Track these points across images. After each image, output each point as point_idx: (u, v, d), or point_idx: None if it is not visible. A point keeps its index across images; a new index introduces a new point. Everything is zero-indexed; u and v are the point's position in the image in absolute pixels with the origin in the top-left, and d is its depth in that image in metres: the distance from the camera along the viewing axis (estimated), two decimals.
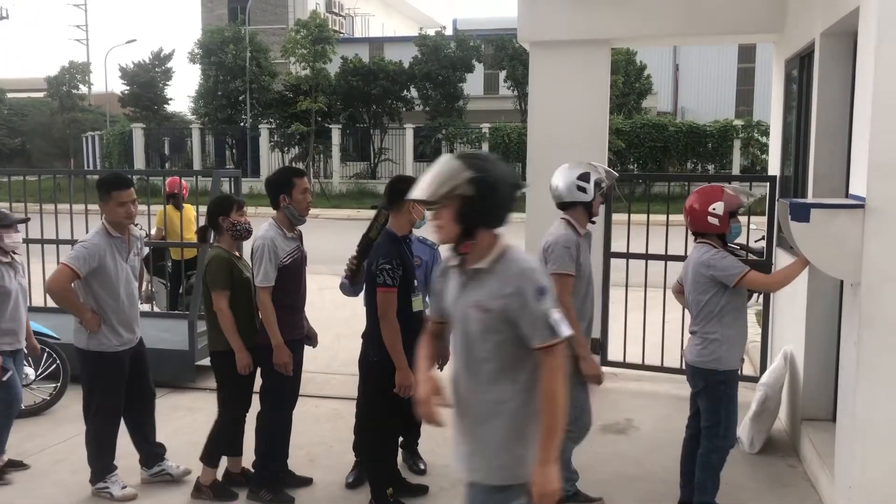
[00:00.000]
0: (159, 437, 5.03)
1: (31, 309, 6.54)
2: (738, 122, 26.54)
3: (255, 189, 29.17)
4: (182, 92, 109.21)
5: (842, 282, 4.61)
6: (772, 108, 6.97)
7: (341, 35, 36.70)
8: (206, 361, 6.95)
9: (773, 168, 6.71)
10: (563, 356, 2.63)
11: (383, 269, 4.17)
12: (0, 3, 43.26)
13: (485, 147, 28.14)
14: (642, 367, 6.77)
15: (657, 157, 26.31)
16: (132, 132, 32.91)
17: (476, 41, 29.78)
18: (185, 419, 6.00)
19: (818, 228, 3.88)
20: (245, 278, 4.55)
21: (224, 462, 4.80)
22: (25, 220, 5.18)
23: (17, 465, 5.04)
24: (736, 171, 25.21)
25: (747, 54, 31.99)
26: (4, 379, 4.79)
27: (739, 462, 5.15)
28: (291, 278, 4.45)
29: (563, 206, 4.33)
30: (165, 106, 36.01)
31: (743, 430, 5.39)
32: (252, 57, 30.21)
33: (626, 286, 6.82)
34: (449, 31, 33.25)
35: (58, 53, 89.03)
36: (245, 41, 30.44)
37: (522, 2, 6.75)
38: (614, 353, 6.90)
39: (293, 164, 30.13)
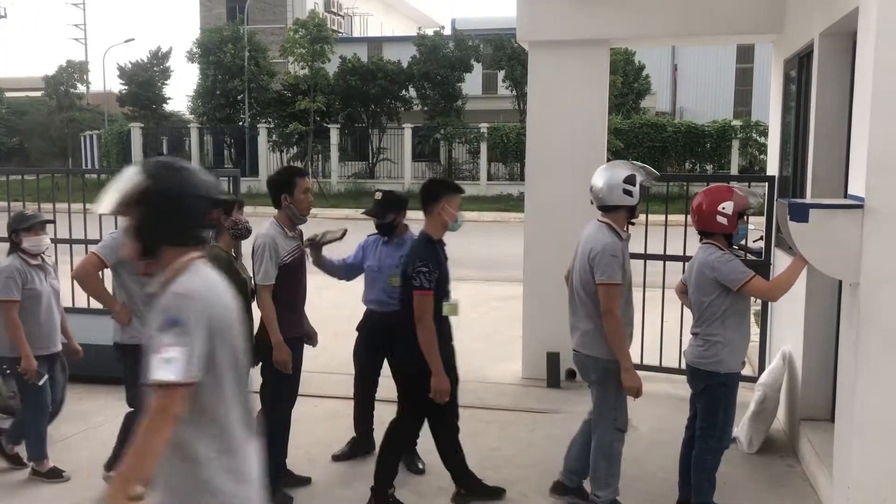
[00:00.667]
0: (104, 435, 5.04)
1: None
2: (737, 123, 26.56)
3: (253, 188, 29.18)
4: (180, 91, 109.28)
5: (840, 282, 4.61)
6: (770, 109, 6.97)
7: (340, 34, 36.69)
8: None
9: (772, 168, 6.72)
10: (166, 402, 2.13)
11: (420, 272, 4.14)
12: None
13: (483, 147, 28.16)
14: (641, 366, 6.74)
15: (656, 157, 26.29)
16: (130, 131, 32.87)
17: (475, 41, 29.77)
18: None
19: (817, 229, 3.88)
20: (242, 279, 4.54)
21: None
22: (51, 222, 5.15)
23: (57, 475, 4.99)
24: (734, 171, 25.23)
25: (746, 54, 32.02)
26: (40, 384, 4.77)
27: (738, 462, 5.16)
28: (291, 277, 4.46)
29: (605, 208, 4.22)
30: (164, 105, 36.00)
31: (741, 430, 5.39)
32: (250, 56, 30.20)
33: (663, 287, 6.83)
34: (447, 31, 33.28)
35: (56, 52, 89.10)
36: (244, 40, 30.43)
37: (521, 1, 6.75)
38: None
39: (292, 164, 30.13)
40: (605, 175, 4.20)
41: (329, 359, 6.73)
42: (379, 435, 5.25)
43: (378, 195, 5.04)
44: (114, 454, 4.68)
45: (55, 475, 4.87)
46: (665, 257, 6.71)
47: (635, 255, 6.70)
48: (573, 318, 4.33)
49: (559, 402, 6.27)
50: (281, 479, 4.66)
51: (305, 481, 4.80)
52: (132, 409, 4.66)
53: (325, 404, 6.20)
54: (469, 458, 5.13)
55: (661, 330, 6.72)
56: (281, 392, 4.56)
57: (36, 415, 4.86)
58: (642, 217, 6.54)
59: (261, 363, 4.49)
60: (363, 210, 5.34)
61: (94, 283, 4.46)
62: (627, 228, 4.30)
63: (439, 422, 4.50)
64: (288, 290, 4.45)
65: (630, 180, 4.14)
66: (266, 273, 4.35)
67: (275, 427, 4.57)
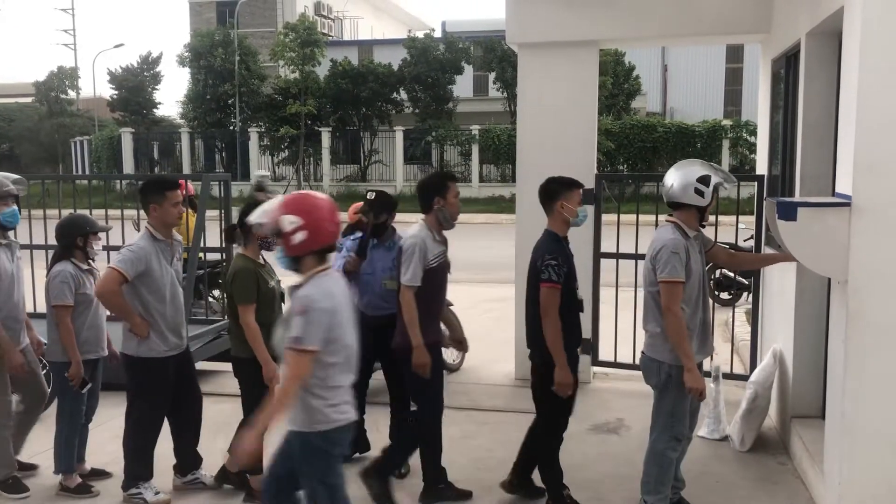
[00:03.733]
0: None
1: None
2: (727, 122, 26.67)
3: (245, 193, 29.15)
4: (171, 96, 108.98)
5: (829, 280, 4.64)
6: (759, 108, 7.01)
7: (330, 38, 36.68)
8: (199, 366, 6.96)
9: (761, 167, 6.75)
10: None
11: (549, 265, 4.17)
12: None
13: (475, 149, 28.21)
14: (633, 366, 6.78)
15: (646, 157, 26.40)
16: (121, 137, 32.78)
17: (465, 43, 29.82)
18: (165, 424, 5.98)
19: (805, 227, 3.90)
20: (270, 288, 4.50)
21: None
22: (108, 229, 5.12)
23: (101, 474, 4.98)
24: (726, 169, 25.28)
25: (735, 54, 32.15)
26: (84, 391, 4.74)
27: (730, 460, 5.19)
28: (434, 281, 4.41)
29: (675, 206, 4.15)
30: (154, 110, 35.91)
31: (733, 428, 5.42)
32: (241, 60, 30.16)
33: (616, 286, 6.85)
34: (438, 33, 33.30)
35: (45, 58, 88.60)
36: (234, 45, 30.39)
37: (510, 3, 6.77)
38: (605, 352, 6.92)
39: (293, 167, 30.12)
40: (679, 172, 4.13)
41: None
42: (374, 438, 5.27)
43: (371, 195, 5.04)
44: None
45: (84, 491, 4.78)
46: None
47: (626, 256, 6.76)
48: (643, 321, 4.27)
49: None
50: (442, 489, 4.61)
51: (466, 495, 4.69)
52: (130, 417, 4.64)
53: None
54: (463, 459, 5.15)
55: None
56: (427, 397, 4.52)
57: (70, 424, 4.76)
58: (632, 217, 6.62)
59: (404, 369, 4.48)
60: (356, 210, 5.33)
61: (117, 298, 4.40)
62: (698, 229, 4.19)
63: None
64: (428, 295, 4.40)
65: (704, 180, 4.03)
66: (414, 274, 4.31)
67: (427, 436, 4.57)
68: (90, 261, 4.81)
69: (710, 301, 4.32)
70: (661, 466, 4.17)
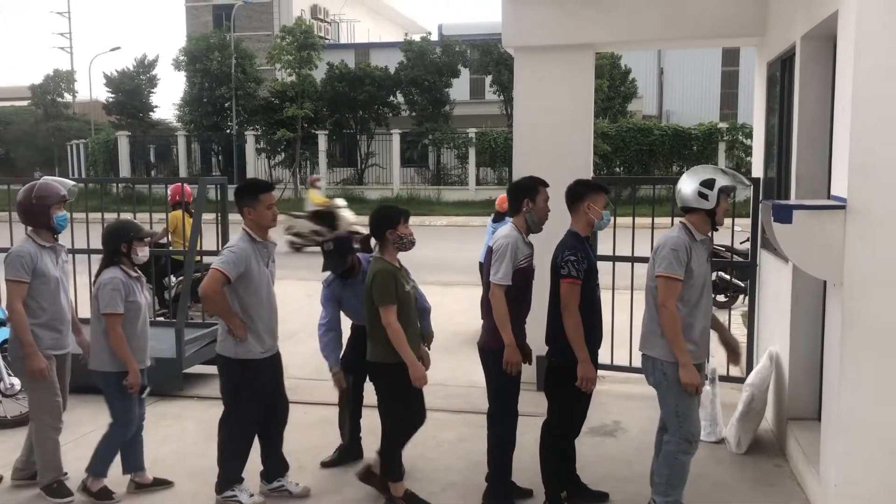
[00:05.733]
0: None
1: None
2: (723, 125, 26.73)
3: None
4: (167, 99, 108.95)
5: (825, 282, 4.66)
6: (755, 111, 7.03)
7: (327, 41, 36.69)
8: (195, 369, 6.98)
9: (757, 170, 6.77)
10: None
11: (569, 260, 4.23)
12: None
13: (471, 152, 28.24)
14: (630, 369, 6.80)
15: (643, 160, 26.45)
16: (117, 140, 32.76)
17: (462, 46, 29.86)
18: (173, 428, 5.98)
19: (801, 230, 3.92)
20: (406, 292, 4.49)
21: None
22: (153, 235, 5.07)
23: (163, 483, 4.94)
24: None
25: (731, 57, 32.25)
26: (143, 396, 4.74)
27: (726, 462, 5.20)
28: (520, 283, 4.41)
29: (686, 209, 4.22)
30: (151, 113, 35.91)
31: (730, 430, 5.43)
32: (237, 64, 30.18)
33: (613, 289, 6.85)
34: (434, 37, 33.35)
35: (42, 62, 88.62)
36: (230, 48, 30.41)
37: (507, 7, 6.79)
38: (602, 355, 6.87)
39: (289, 170, 30.07)
40: (688, 177, 4.20)
41: (319, 365, 6.72)
42: (367, 443, 5.27)
43: (328, 246, 4.96)
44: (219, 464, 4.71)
45: (105, 496, 4.73)
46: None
47: (622, 258, 6.77)
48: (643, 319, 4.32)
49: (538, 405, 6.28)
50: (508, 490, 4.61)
51: (527, 493, 4.69)
52: (228, 421, 4.63)
53: (315, 411, 6.19)
54: (460, 462, 5.15)
55: None
56: (509, 405, 4.51)
57: (122, 432, 4.71)
58: (629, 220, 6.63)
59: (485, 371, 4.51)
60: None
61: (220, 299, 4.38)
62: (711, 233, 4.27)
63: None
64: (515, 296, 4.39)
65: (707, 184, 4.06)
66: (505, 273, 4.30)
67: (499, 438, 4.55)
68: (137, 268, 4.74)
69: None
70: (672, 469, 4.15)
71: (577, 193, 4.44)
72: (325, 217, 15.40)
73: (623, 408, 6.30)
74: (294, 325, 8.73)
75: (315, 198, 15.70)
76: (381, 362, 4.47)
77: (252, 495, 4.64)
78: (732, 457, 5.29)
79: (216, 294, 4.37)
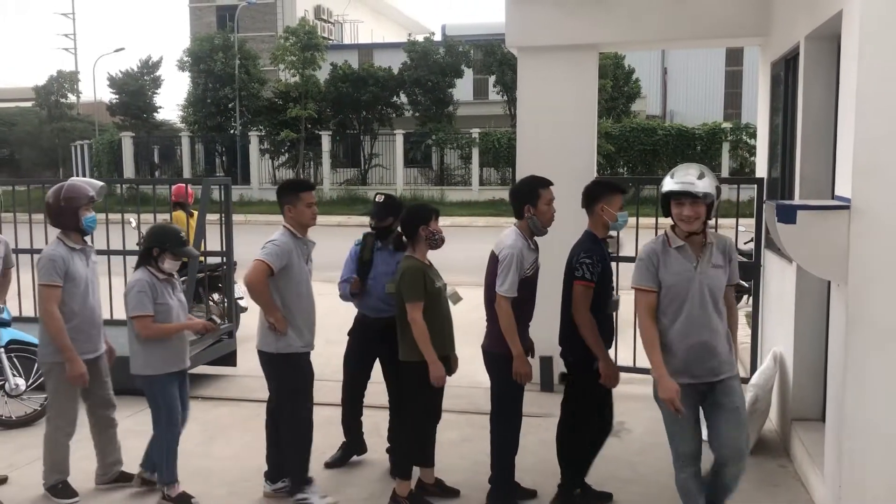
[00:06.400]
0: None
1: (18, 319, 6.52)
2: (727, 125, 26.70)
3: (245, 196, 29.18)
4: (171, 100, 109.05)
5: (829, 282, 4.64)
6: (759, 111, 7.02)
7: (330, 42, 36.72)
8: (198, 370, 6.98)
9: (761, 170, 6.76)
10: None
11: (583, 262, 4.24)
12: None
13: (475, 152, 28.23)
14: (633, 369, 6.79)
15: (647, 160, 26.43)
16: (121, 141, 32.81)
17: (465, 46, 29.85)
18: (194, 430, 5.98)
19: (804, 230, 3.91)
20: (436, 289, 4.50)
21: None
22: (193, 254, 5.00)
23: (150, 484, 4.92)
24: (725, 173, 25.33)
25: (735, 57, 32.20)
26: (187, 398, 4.78)
27: None
28: (528, 290, 4.41)
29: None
30: (155, 114, 35.95)
31: None
32: (241, 64, 30.21)
33: (616, 289, 6.83)
34: (438, 37, 33.35)
35: (45, 63, 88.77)
36: (234, 49, 30.44)
37: (510, 7, 6.79)
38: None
39: (293, 171, 30.09)
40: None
41: (323, 365, 6.70)
42: (374, 441, 5.27)
43: (380, 197, 5.05)
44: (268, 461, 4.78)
45: (184, 500, 4.72)
46: None
47: (626, 259, 6.75)
48: None
49: (552, 405, 6.25)
50: (511, 491, 4.61)
51: (531, 494, 4.70)
52: (282, 420, 4.65)
53: (319, 412, 6.16)
54: (463, 462, 5.15)
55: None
56: (515, 404, 4.51)
57: (168, 434, 4.70)
58: (632, 220, 6.61)
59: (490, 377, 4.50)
60: (364, 211, 5.33)
61: (264, 290, 4.39)
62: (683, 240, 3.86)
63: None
64: (523, 303, 4.39)
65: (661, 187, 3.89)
66: (511, 285, 4.25)
67: (503, 439, 4.54)
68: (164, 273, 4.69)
69: (718, 323, 3.79)
70: (678, 486, 3.99)
71: (593, 194, 4.42)
72: None
73: (627, 408, 6.27)
74: None
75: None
76: (408, 361, 4.50)
77: (325, 496, 4.65)
78: None
79: (261, 284, 4.38)
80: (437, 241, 4.54)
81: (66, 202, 4.64)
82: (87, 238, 4.86)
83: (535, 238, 4.50)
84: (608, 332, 4.51)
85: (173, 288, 4.72)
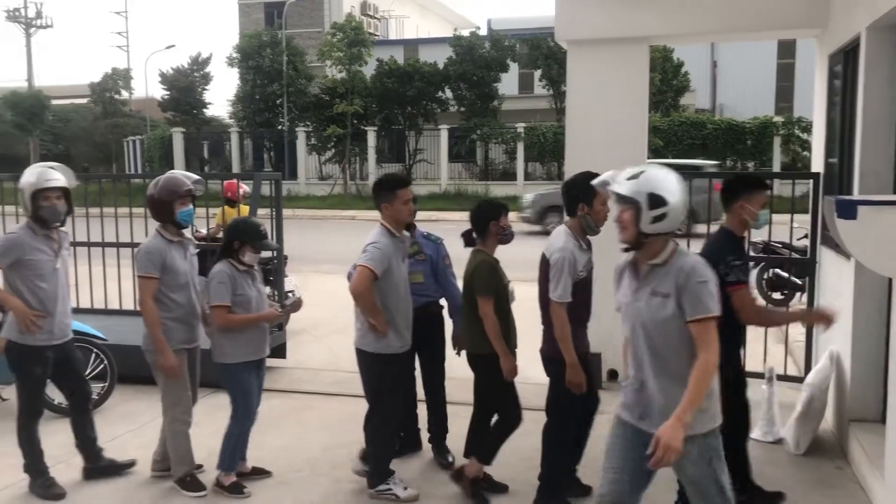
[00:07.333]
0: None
1: (77, 310, 6.68)
2: (778, 119, 26.14)
3: (292, 191, 29.51)
4: (220, 96, 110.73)
5: (890, 280, 4.52)
6: (815, 104, 6.85)
7: (376, 37, 36.92)
8: None
9: (817, 165, 6.60)
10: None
11: (735, 265, 4.00)
12: (43, 12, 44.19)
13: (520, 147, 28.11)
14: None
15: (696, 154, 26.00)
16: (172, 136, 33.45)
17: (511, 41, 29.75)
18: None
19: (865, 226, 3.79)
20: (505, 285, 4.53)
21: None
22: (275, 248, 5.03)
23: (261, 473, 5.01)
24: (776, 168, 24.84)
25: (787, 50, 31.50)
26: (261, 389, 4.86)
27: (785, 463, 5.09)
28: (583, 291, 4.32)
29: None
30: (204, 110, 36.60)
31: (788, 430, 5.31)
32: (289, 61, 30.55)
33: None
34: (483, 31, 33.28)
35: (100, 60, 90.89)
36: (282, 45, 30.79)
37: (560, 0, 6.73)
38: None
39: (339, 166, 30.33)
40: None
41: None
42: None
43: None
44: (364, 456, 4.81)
45: (237, 490, 4.75)
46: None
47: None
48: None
49: (602, 402, 6.22)
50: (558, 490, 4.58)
51: (587, 490, 4.64)
52: (375, 416, 4.66)
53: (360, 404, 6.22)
54: (513, 458, 5.13)
55: None
56: (570, 409, 4.43)
57: (244, 423, 4.77)
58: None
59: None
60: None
61: (370, 296, 4.40)
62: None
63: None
64: (579, 305, 4.31)
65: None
66: (564, 290, 4.14)
67: (556, 441, 4.51)
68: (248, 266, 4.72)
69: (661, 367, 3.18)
70: None
71: (732, 191, 4.22)
72: None
73: None
74: (345, 320, 8.79)
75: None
76: (477, 353, 4.51)
77: (406, 488, 4.68)
78: (791, 458, 5.17)
79: (367, 290, 4.37)
80: (506, 237, 4.53)
81: (162, 195, 4.67)
82: (186, 231, 4.89)
83: (588, 237, 4.38)
84: (740, 333, 4.33)
85: (253, 279, 4.77)
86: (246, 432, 4.83)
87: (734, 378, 4.22)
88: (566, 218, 4.42)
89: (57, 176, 4.71)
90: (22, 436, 4.77)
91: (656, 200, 3.04)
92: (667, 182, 3.09)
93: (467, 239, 4.78)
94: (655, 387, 3.14)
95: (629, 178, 3.11)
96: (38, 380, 4.79)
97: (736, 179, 4.36)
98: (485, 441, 4.69)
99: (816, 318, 4.29)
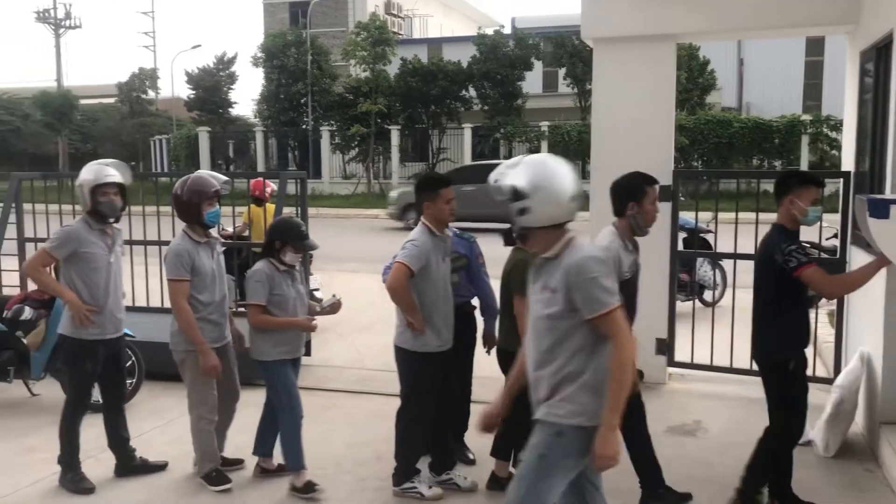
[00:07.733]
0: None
1: None
2: (806, 117, 25.81)
3: (317, 190, 29.66)
4: (246, 95, 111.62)
5: None
6: (845, 103, 6.76)
7: (400, 36, 36.98)
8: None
9: (847, 164, 6.51)
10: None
11: (792, 250, 3.94)
12: (72, 13, 44.79)
13: (544, 145, 28.02)
14: (710, 367, 6.64)
15: (722, 153, 25.78)
16: (198, 136, 33.75)
17: (535, 39, 29.66)
18: (254, 416, 6.11)
19: None
20: None
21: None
22: (315, 248, 5.04)
23: (235, 463, 5.02)
24: (804, 166, 24.51)
25: (815, 47, 31.08)
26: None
27: (814, 466, 5.02)
28: (627, 291, 4.19)
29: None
30: (230, 109, 36.89)
31: (818, 432, 5.24)
32: (313, 60, 30.70)
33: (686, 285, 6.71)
34: (507, 30, 33.21)
35: (127, 60, 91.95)
36: (306, 44, 30.94)
37: None
38: (682, 353, 6.79)
39: (363, 165, 30.39)
40: None
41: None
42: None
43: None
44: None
45: (309, 489, 4.71)
46: (735, 256, 6.56)
47: (701, 253, 6.61)
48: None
49: None
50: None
51: (685, 497, 4.58)
52: (406, 414, 4.67)
53: (393, 403, 6.22)
54: None
55: (731, 331, 6.56)
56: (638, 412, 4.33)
57: (291, 420, 4.76)
58: (708, 215, 6.46)
59: None
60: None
61: (406, 293, 4.42)
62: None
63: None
64: (623, 306, 4.34)
65: None
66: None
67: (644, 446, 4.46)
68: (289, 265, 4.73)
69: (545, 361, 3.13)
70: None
71: (783, 186, 4.16)
72: None
73: (703, 407, 6.16)
74: (369, 318, 8.85)
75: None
76: (507, 350, 4.48)
77: (431, 486, 4.67)
78: (820, 460, 5.11)
79: (402, 286, 4.39)
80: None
81: (189, 195, 4.67)
82: (213, 230, 4.90)
83: (636, 238, 4.30)
84: (806, 328, 4.24)
85: (293, 279, 4.78)
86: (298, 426, 4.78)
87: (795, 370, 4.08)
88: (613, 218, 4.34)
89: (114, 172, 4.79)
90: (64, 428, 4.84)
91: (517, 193, 2.96)
92: (534, 174, 2.96)
93: (507, 237, 4.77)
94: (540, 379, 3.10)
95: (512, 168, 3.03)
96: (89, 375, 4.85)
97: (787, 174, 4.26)
98: (517, 441, 4.66)
99: (884, 262, 4.12)
